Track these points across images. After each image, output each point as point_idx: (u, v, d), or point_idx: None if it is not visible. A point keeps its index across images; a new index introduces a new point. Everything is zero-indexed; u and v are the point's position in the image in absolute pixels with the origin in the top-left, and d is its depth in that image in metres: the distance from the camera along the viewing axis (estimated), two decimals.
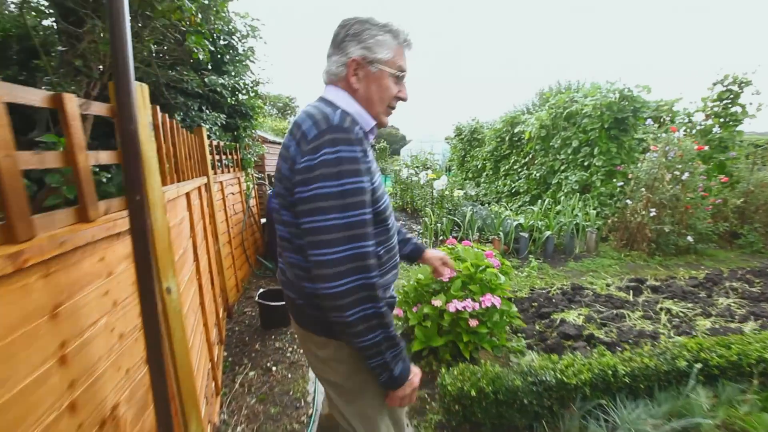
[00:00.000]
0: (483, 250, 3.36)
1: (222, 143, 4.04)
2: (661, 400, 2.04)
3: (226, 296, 3.57)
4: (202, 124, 3.60)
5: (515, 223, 5.35)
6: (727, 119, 6.25)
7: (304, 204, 0.94)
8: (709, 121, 6.35)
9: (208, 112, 3.89)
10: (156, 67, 3.19)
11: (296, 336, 1.42)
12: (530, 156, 8.27)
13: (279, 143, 8.24)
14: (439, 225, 5.38)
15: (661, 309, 3.43)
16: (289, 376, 2.68)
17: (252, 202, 5.04)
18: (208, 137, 3.77)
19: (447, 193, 5.80)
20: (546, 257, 5.27)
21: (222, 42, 4.27)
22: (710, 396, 2.02)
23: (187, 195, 2.24)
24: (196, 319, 1.99)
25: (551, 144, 7.41)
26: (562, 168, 7.12)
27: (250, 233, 4.92)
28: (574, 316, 3.25)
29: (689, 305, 3.50)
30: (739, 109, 6.27)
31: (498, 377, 1.99)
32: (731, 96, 6.26)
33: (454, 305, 2.45)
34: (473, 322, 2.44)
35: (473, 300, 2.53)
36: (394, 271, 1.20)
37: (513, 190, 8.72)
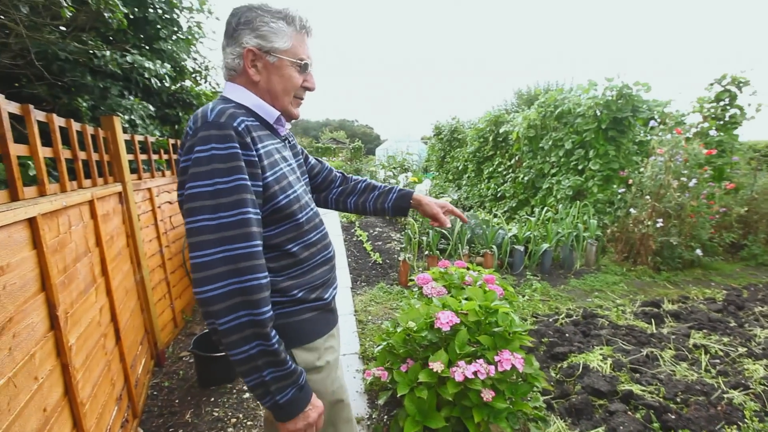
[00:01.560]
0: (482, 274, 2.69)
1: (152, 139, 3.16)
2: None
3: (154, 339, 2.72)
4: (120, 114, 2.72)
5: (509, 235, 4.72)
6: (726, 121, 5.89)
7: (183, 206, 0.90)
8: (706, 124, 5.97)
9: (130, 98, 3.00)
10: (45, 33, 2.30)
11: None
12: (517, 158, 7.72)
13: None
14: (424, 237, 4.67)
15: (694, 346, 2.85)
16: None
17: None
18: (131, 130, 2.89)
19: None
20: (543, 273, 4.67)
21: (155, 10, 3.37)
22: None
23: (54, 215, 1.41)
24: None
25: (540, 145, 6.87)
26: (553, 171, 6.58)
27: None
28: (597, 360, 2.61)
29: (724, 339, 2.95)
30: (737, 111, 5.92)
31: None
32: (729, 97, 5.89)
33: (462, 371, 1.73)
34: (488, 395, 1.73)
35: (486, 360, 1.82)
36: (323, 268, 1.11)
37: (498, 194, 8.16)
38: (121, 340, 2.02)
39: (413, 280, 2.66)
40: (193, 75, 4.43)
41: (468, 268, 2.87)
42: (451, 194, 8.38)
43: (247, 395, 2.45)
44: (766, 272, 4.88)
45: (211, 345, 2.57)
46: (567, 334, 3.04)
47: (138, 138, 2.87)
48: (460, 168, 10.11)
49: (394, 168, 10.15)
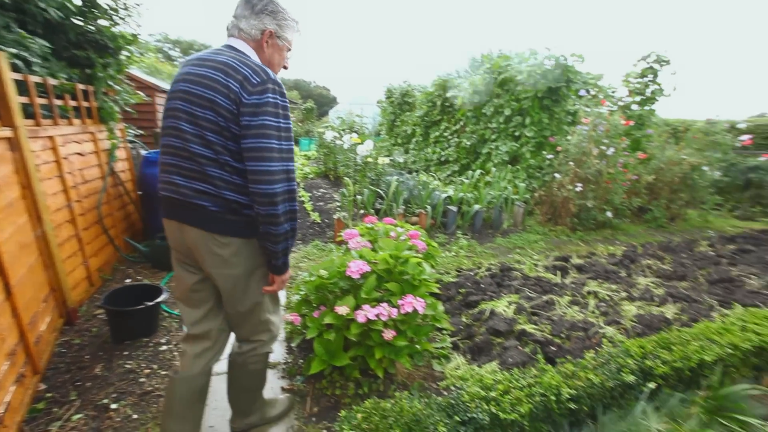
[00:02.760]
0: (407, 230, 2.82)
1: (54, 82, 2.85)
2: (606, 425, 1.69)
3: (63, 297, 2.59)
4: (4, 49, 2.41)
5: (444, 196, 4.91)
6: (646, 96, 6.36)
7: (251, 129, 1.27)
8: (630, 98, 6.42)
9: (21, 33, 2.66)
10: None
11: (183, 251, 1.48)
12: (461, 123, 7.88)
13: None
14: (359, 197, 4.74)
15: (588, 293, 3.23)
16: (135, 416, 1.91)
17: (120, 166, 3.87)
18: (27, 70, 2.59)
19: (371, 160, 5.14)
20: (474, 232, 4.96)
21: None
22: (660, 417, 1.72)
23: None
24: None
25: (483, 111, 7.05)
26: (493, 137, 6.83)
27: (119, 207, 3.81)
28: (503, 306, 2.89)
29: (613, 287, 3.37)
30: (657, 87, 6.40)
31: (416, 421, 1.45)
32: (652, 74, 6.33)
33: (365, 314, 1.86)
34: (389, 334, 1.88)
35: (390, 304, 1.96)
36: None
37: (442, 159, 8.35)
38: (13, 295, 1.91)
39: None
40: (109, 13, 3.98)
41: (395, 225, 2.99)
42: (398, 157, 8.46)
43: (164, 347, 2.46)
44: (663, 233, 5.54)
45: (126, 299, 2.51)
46: (483, 285, 3.30)
47: (34, 79, 2.59)
48: (408, 132, 10.15)
49: (343, 130, 9.98)
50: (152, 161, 3.82)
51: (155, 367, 2.27)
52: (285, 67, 1.54)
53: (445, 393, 2.09)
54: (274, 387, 2.14)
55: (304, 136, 16.86)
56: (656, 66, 6.23)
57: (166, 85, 6.56)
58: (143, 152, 4.27)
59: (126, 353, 2.38)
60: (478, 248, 4.39)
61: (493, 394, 1.59)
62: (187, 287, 1.52)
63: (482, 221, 5.13)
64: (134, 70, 5.82)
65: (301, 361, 2.33)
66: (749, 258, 4.35)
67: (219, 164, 1.31)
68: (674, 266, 3.98)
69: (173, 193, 1.38)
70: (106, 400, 1.99)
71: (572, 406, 1.63)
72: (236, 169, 1.33)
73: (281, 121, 1.30)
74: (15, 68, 2.51)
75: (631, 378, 1.75)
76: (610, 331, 2.59)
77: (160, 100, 6.16)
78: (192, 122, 1.31)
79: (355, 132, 9.19)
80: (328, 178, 8.61)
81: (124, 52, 3.85)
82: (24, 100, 2.47)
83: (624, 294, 3.22)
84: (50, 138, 2.71)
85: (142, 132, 5.12)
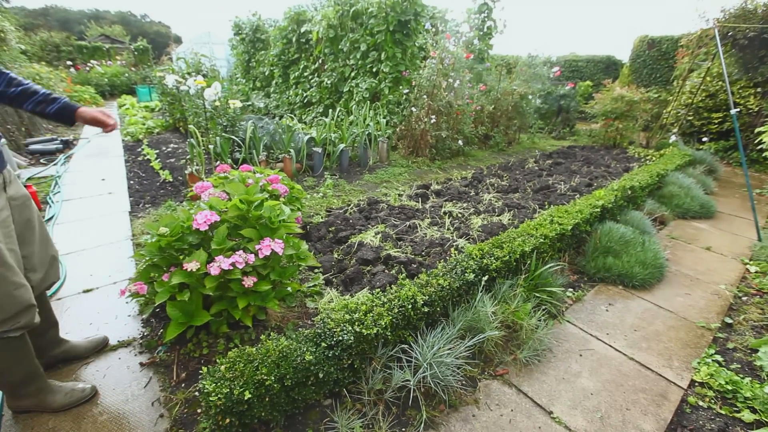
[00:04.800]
0: (266, 175, 2.65)
1: None
2: (456, 318, 1.98)
3: None
4: None
5: (307, 138, 4.74)
6: (484, 32, 6.95)
7: None
8: (472, 33, 6.94)
9: None
10: None
11: None
12: (320, 61, 7.52)
13: None
14: (212, 146, 4.24)
15: (444, 213, 3.62)
16: None
17: None
18: None
19: (220, 104, 4.56)
20: (342, 172, 4.99)
21: None
22: (493, 302, 2.08)
23: None
24: None
25: (340, 48, 6.81)
26: (353, 75, 6.73)
27: None
28: (371, 237, 3.04)
29: (464, 205, 3.83)
30: (492, 23, 7.02)
31: (284, 356, 1.46)
32: (487, 10, 6.89)
33: (218, 265, 1.71)
34: (249, 281, 1.79)
35: (247, 251, 1.85)
36: None
37: (305, 101, 7.97)
38: None
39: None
40: None
41: (254, 172, 2.77)
42: (257, 102, 7.76)
43: None
44: (503, 156, 6.45)
45: None
46: (352, 221, 3.40)
47: None
48: (267, 73, 9.30)
49: (188, 73, 8.58)
50: None
51: None
52: None
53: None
54: (131, 365, 1.90)
55: (141, 83, 14.05)
56: (490, 2, 6.78)
57: None
58: None
59: None
60: (346, 187, 4.46)
61: (357, 315, 1.69)
62: None
63: (349, 160, 5.18)
64: None
65: (162, 331, 2.10)
66: (560, 169, 5.41)
67: None
68: (510, 182, 4.71)
69: None
70: None
71: (426, 309, 1.84)
72: None
73: None
74: None
75: (472, 276, 2.05)
76: (461, 242, 2.97)
77: None
78: None
79: (203, 75, 7.98)
80: (179, 132, 7.48)
81: None
82: None
83: (473, 210, 3.70)
84: None
85: None
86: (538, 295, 2.28)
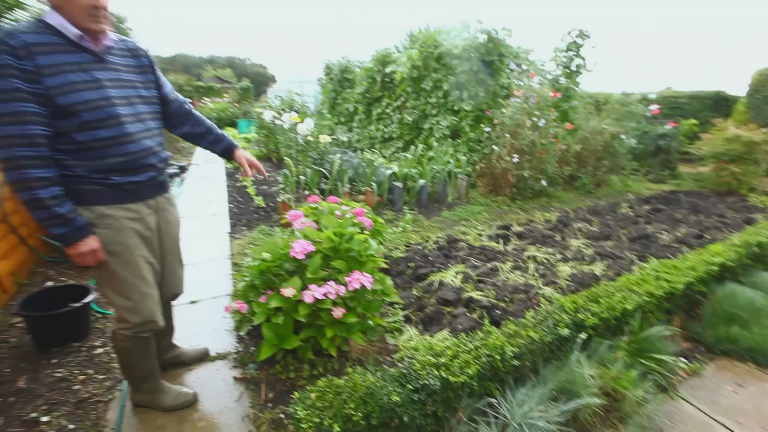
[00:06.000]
0: (352, 208, 2.78)
1: None
2: (547, 376, 1.83)
3: None
4: None
5: (389, 172, 4.92)
6: (572, 70, 6.75)
7: None
8: (558, 71, 6.78)
9: None
10: None
11: None
12: (402, 99, 7.87)
13: None
14: (302, 177, 4.59)
15: (528, 257, 3.44)
16: (71, 426, 1.74)
17: None
18: None
19: (312, 138, 4.97)
20: (421, 207, 5.05)
21: None
22: (591, 363, 1.89)
23: None
24: None
25: (423, 86, 7.08)
26: (434, 112, 6.91)
27: None
28: (451, 276, 2.99)
29: (550, 250, 3.62)
30: (581, 61, 6.80)
31: (370, 394, 1.46)
32: (576, 48, 6.71)
33: (312, 294, 1.81)
34: (338, 312, 1.86)
35: (338, 282, 1.94)
36: (116, 159, 1.45)
37: (386, 136, 8.33)
38: None
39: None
40: None
41: (341, 203, 2.93)
42: (341, 136, 8.29)
43: (99, 350, 2.25)
44: (590, 198, 6.03)
45: (48, 303, 2.24)
46: (431, 258, 3.39)
47: None
48: (351, 110, 9.95)
49: (282, 109, 9.53)
50: None
51: (91, 372, 2.08)
52: (97, 6, 1.33)
53: (400, 365, 2.13)
54: (225, 377, 2.06)
55: (242, 117, 15.90)
56: (579, 40, 6.60)
57: None
58: None
59: (55, 361, 2.15)
60: (425, 222, 4.48)
61: (442, 359, 1.65)
62: None
63: (428, 196, 5.23)
64: None
65: (253, 348, 2.25)
66: (661, 216, 4.88)
67: None
68: (601, 228, 4.36)
69: None
70: (34, 414, 1.79)
71: (516, 363, 1.74)
72: None
73: None
74: None
75: (566, 331, 1.90)
76: (548, 291, 2.78)
77: None
78: None
79: (296, 111, 8.82)
80: (271, 161, 8.25)
81: None
82: None
83: (559, 256, 3.47)
84: None
85: None
86: (643, 361, 2.02)
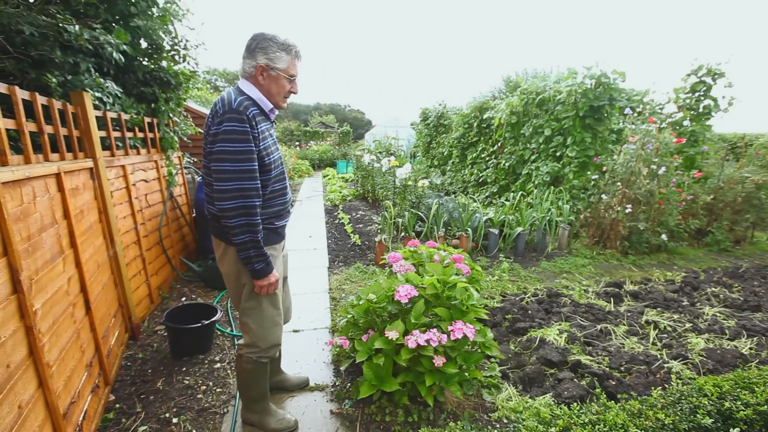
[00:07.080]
0: (450, 253, 2.79)
1: (126, 116, 3.15)
2: None
3: (129, 313, 2.78)
4: (89, 90, 2.71)
5: (485, 218, 4.85)
6: (699, 112, 6.04)
7: (212, 155, 1.56)
8: (680, 114, 6.12)
9: (94, 75, 2.96)
10: (11, 5, 2.28)
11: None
12: (499, 144, 7.81)
13: None
14: (400, 219, 4.77)
15: (646, 322, 3.03)
16: (193, 431, 1.98)
17: (177, 191, 4.15)
18: (102, 106, 2.88)
19: (410, 183, 5.18)
20: (517, 255, 4.82)
21: None
22: None
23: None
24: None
25: (522, 132, 6.97)
26: (533, 158, 6.70)
27: (176, 229, 4.07)
28: (554, 334, 2.77)
29: (675, 316, 3.13)
30: (711, 102, 6.07)
31: None
32: (704, 88, 6.03)
33: (415, 339, 1.84)
34: (439, 361, 1.85)
35: (440, 330, 1.94)
36: (278, 207, 1.77)
37: (480, 180, 8.27)
38: (92, 311, 2.08)
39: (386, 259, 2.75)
40: (171, 53, 4.37)
41: (438, 248, 2.98)
42: (435, 179, 8.47)
43: (218, 365, 2.55)
44: (726, 257, 5.12)
45: (184, 317, 2.65)
46: (530, 312, 3.19)
47: (111, 115, 2.87)
48: (445, 153, 10.17)
49: (380, 153, 10.17)
50: None
51: (210, 384, 2.35)
52: (292, 92, 1.71)
53: (498, 426, 2.00)
54: (323, 410, 2.15)
55: (341, 158, 17.32)
56: (708, 80, 5.93)
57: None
58: (197, 177, 4.56)
59: (184, 369, 2.49)
60: (522, 272, 4.26)
61: (552, 430, 1.51)
62: None
63: (525, 244, 4.99)
64: (188, 102, 6.32)
65: (349, 384, 2.33)
66: None
67: (207, 183, 1.67)
68: (745, 295, 3.65)
69: None
70: (167, 414, 2.08)
71: None
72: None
73: (238, 146, 1.50)
74: (94, 105, 2.80)
75: (708, 421, 1.60)
76: (676, 365, 2.40)
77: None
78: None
79: (392, 154, 9.34)
80: (366, 200, 8.74)
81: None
82: (102, 134, 2.73)
83: (689, 325, 2.98)
84: (122, 167, 2.97)
85: (195, 159, 5.48)
86: None
